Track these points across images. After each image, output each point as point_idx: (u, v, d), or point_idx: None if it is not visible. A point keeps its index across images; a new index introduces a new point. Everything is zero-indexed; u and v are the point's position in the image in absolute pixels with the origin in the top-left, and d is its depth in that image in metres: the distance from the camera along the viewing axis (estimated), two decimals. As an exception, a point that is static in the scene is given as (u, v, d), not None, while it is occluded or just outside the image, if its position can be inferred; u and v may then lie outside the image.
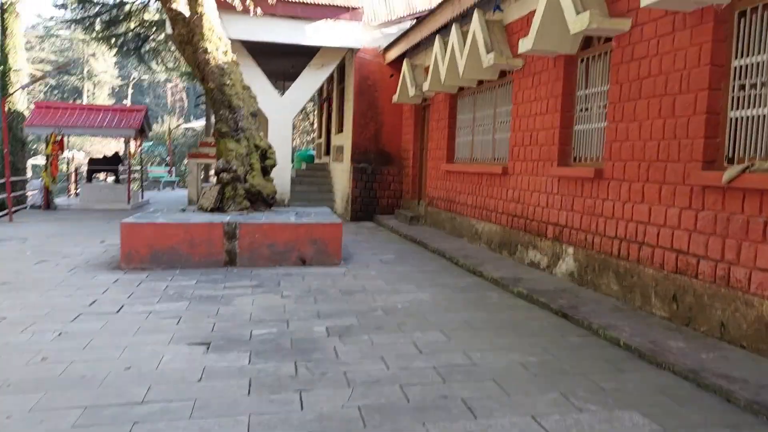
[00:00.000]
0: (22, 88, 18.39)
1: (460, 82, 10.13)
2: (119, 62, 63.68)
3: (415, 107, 13.42)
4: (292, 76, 16.18)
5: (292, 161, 22.31)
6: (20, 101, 19.77)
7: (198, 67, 10.08)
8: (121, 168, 18.00)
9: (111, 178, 21.89)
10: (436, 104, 11.96)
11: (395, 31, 13.57)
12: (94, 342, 4.77)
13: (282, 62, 16.11)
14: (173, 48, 32.64)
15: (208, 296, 6.39)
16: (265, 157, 9.78)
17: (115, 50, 30.80)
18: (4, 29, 19.46)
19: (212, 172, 28.41)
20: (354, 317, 5.63)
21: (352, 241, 10.64)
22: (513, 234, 8.53)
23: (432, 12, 11.04)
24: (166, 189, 25.95)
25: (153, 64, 34.29)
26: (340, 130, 16.25)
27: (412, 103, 13.12)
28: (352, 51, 13.96)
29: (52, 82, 61.20)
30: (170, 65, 36.91)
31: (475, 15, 8.92)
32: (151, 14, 30.68)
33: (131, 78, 62.60)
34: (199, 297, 6.34)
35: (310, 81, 14.24)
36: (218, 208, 9.22)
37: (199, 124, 52.90)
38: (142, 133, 17.14)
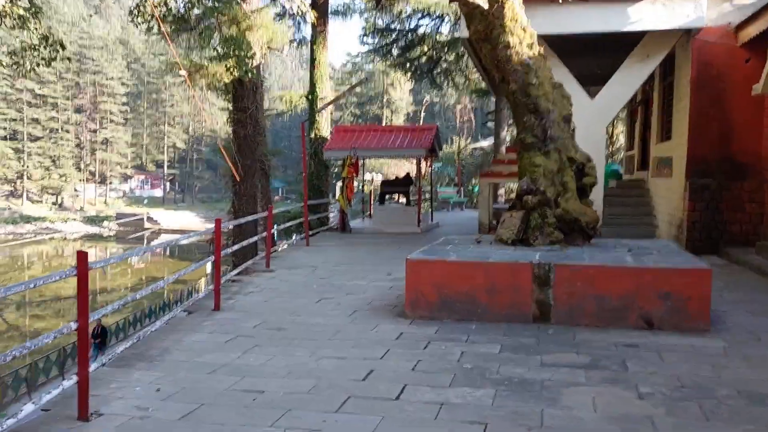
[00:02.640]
0: (321, 109, 19.15)
1: None
2: (414, 89, 67.64)
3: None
4: (596, 80, 13.53)
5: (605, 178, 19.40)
6: (325, 127, 20.78)
7: (497, 66, 8.27)
8: (412, 189, 17.40)
9: (403, 200, 21.79)
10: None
11: (753, 0, 10.04)
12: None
13: (584, 63, 13.58)
14: (465, 66, 32.34)
15: (520, 380, 4.35)
16: (583, 173, 7.47)
17: (409, 74, 31.66)
18: (313, 60, 20.68)
19: (501, 191, 26.92)
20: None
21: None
22: None
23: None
24: (455, 210, 25.20)
25: (444, 85, 34.55)
26: (664, 137, 13.01)
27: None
28: (688, 33, 10.80)
29: (356, 111, 67.67)
30: (460, 84, 36.93)
31: None
32: (443, 35, 30.72)
33: (424, 102, 65.73)
34: (509, 381, 4.33)
35: (628, 78, 11.43)
36: (521, 240, 7.20)
37: (486, 143, 52.67)
38: (432, 152, 16.24)
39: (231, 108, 15.04)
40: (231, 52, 11.35)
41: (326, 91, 20.69)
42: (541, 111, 7.65)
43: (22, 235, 52.54)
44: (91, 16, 75.66)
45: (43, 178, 64.14)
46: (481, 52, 8.72)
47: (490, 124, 55.70)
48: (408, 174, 17.59)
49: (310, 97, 20.79)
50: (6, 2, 9.46)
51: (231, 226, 11.72)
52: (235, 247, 9.66)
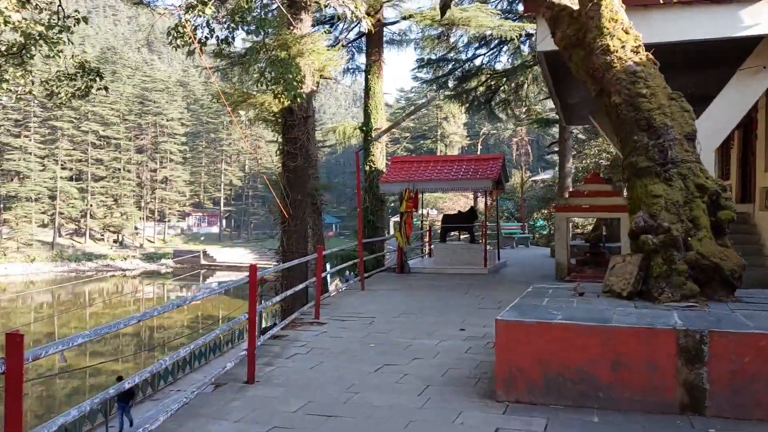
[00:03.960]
0: (378, 137, 17.92)
1: None
2: (468, 122, 66.36)
3: None
4: (691, 100, 11.75)
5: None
6: (380, 159, 19.56)
7: (593, 76, 6.77)
8: (476, 224, 15.83)
9: (464, 236, 20.17)
10: None
11: None
12: None
13: (678, 80, 11.85)
14: (525, 95, 30.79)
15: None
16: (717, 205, 5.80)
17: (466, 106, 30.30)
18: (368, 90, 19.62)
19: (575, 228, 24.88)
20: None
21: None
22: None
23: None
24: (519, 246, 23.36)
25: (503, 116, 33.05)
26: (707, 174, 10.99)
27: None
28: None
29: (410, 146, 66.70)
30: (520, 115, 35.32)
31: None
32: (502, 64, 29.33)
33: (480, 135, 64.29)
34: None
35: (737, 97, 9.66)
36: (640, 293, 5.56)
37: (546, 175, 50.56)
38: (498, 185, 14.68)
39: (280, 140, 13.96)
40: (279, 75, 10.22)
41: (381, 122, 19.53)
42: (656, 127, 6.08)
43: (83, 273, 53.46)
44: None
45: (105, 217, 65.63)
46: (570, 61, 7.24)
47: (548, 156, 53.83)
48: (472, 207, 16.07)
49: (364, 128, 19.67)
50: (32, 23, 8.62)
51: (273, 271, 10.30)
52: (277, 298, 8.34)
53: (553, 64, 10.83)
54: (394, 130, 46.71)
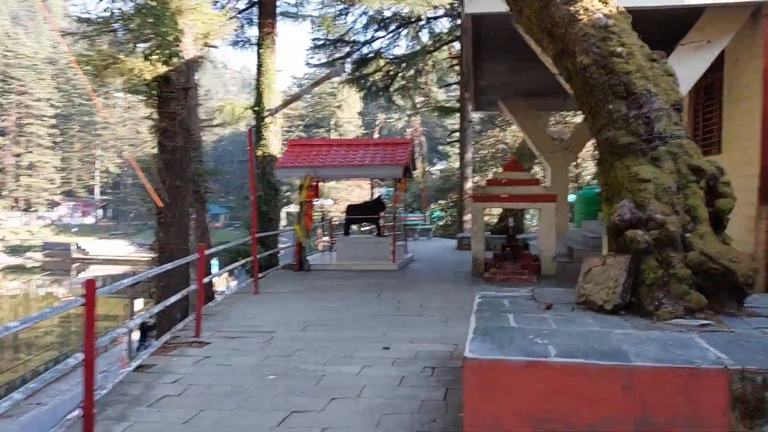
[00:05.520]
0: (272, 113, 15.98)
1: None
2: (363, 111, 65.11)
3: None
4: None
5: (584, 206, 16.96)
6: (274, 143, 17.59)
7: (551, 32, 5.42)
8: (384, 215, 14.40)
9: (365, 228, 18.72)
10: None
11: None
12: None
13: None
14: (425, 81, 29.86)
15: None
16: (716, 192, 4.64)
17: (363, 92, 28.87)
18: (260, 66, 17.56)
19: (467, 217, 24.10)
20: None
21: None
22: None
23: None
24: (421, 238, 22.28)
25: (402, 103, 31.97)
26: (712, 150, 10.45)
27: None
28: (756, 12, 8.31)
29: (303, 134, 64.36)
30: (420, 103, 34.46)
31: None
32: (402, 49, 28.12)
33: (374, 125, 63.30)
34: None
35: (681, 72, 8.82)
36: (627, 306, 4.28)
37: (441, 166, 50.50)
38: (407, 172, 13.32)
39: (155, 115, 11.68)
40: (152, 32, 8.13)
41: (275, 101, 17.53)
42: (637, 94, 4.82)
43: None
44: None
45: (-41, 206, 58.01)
46: (520, 15, 5.87)
47: (441, 148, 53.75)
48: (380, 197, 14.59)
49: (257, 108, 17.60)
50: None
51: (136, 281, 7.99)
52: (142, 316, 6.40)
53: (479, 33, 9.55)
54: (287, 111, 44.26)
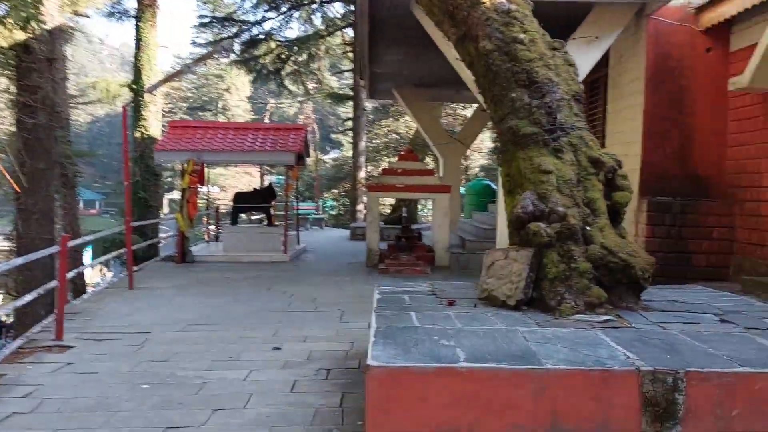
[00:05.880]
0: (151, 89, 14.84)
1: None
2: (252, 96, 63.10)
3: (768, 98, 7.81)
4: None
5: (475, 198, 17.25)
6: (154, 125, 16.38)
7: (453, 15, 5.20)
8: (275, 204, 13.80)
9: (258, 217, 17.98)
10: None
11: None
12: None
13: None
14: (318, 67, 29.23)
15: None
16: (613, 185, 4.62)
17: (253, 75, 27.81)
18: (139, 40, 16.24)
19: (361, 206, 23.91)
20: None
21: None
22: None
23: None
24: (314, 228, 21.81)
25: (293, 88, 31.16)
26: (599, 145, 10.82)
27: (768, 90, 7.55)
28: (640, 11, 8.65)
29: (187, 117, 61.36)
30: (312, 89, 33.79)
31: None
32: (294, 32, 27.33)
33: (269, 108, 61.55)
34: None
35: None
36: (529, 301, 4.15)
37: (334, 155, 50.03)
38: (300, 159, 12.81)
39: (13, 88, 10.33)
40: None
41: (156, 79, 16.29)
42: (539, 83, 4.70)
43: None
44: None
45: None
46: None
47: (333, 137, 53.36)
48: (270, 184, 13.94)
49: (135, 86, 16.29)
50: None
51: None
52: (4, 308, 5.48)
53: (374, 16, 9.23)
54: (170, 91, 41.88)
